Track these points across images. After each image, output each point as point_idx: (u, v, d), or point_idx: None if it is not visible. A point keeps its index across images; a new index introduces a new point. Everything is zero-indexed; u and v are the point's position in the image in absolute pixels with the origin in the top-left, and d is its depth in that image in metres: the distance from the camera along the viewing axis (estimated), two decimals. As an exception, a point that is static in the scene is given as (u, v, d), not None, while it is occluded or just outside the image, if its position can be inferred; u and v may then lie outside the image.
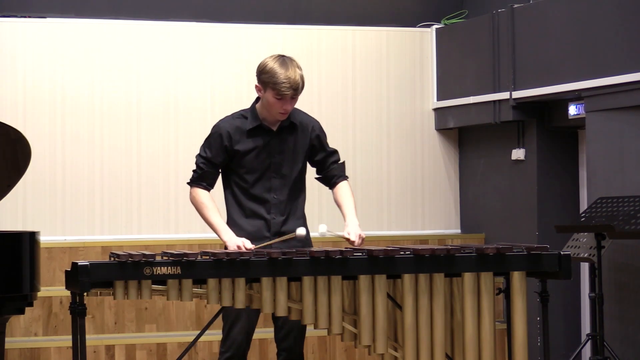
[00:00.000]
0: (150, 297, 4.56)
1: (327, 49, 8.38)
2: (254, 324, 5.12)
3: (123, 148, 7.93)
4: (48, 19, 7.87)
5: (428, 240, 8.28)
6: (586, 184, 7.49)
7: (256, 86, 5.07)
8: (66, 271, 4.65)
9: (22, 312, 5.58)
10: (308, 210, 5.27)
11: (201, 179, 5.13)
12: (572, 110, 7.39)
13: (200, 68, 8.11)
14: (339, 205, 5.23)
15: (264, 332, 5.71)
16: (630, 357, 6.79)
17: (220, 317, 5.02)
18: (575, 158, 7.91)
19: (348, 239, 5.03)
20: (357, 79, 8.44)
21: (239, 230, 5.06)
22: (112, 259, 4.54)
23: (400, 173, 8.50)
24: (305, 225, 5.17)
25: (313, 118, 5.25)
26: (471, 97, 8.16)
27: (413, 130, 8.55)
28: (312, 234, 5.20)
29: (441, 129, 8.58)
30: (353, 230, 5.06)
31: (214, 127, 5.16)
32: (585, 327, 7.65)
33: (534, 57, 7.56)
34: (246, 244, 4.92)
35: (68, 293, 4.67)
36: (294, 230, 5.00)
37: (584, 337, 7.21)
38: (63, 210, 7.79)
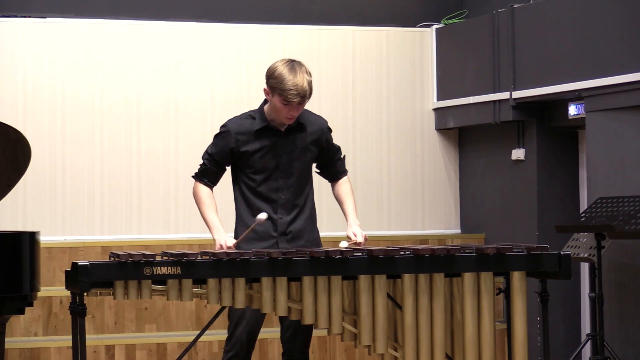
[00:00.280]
0: (150, 297, 4.56)
1: (327, 49, 8.38)
2: (260, 324, 5.13)
3: (123, 148, 7.93)
4: (48, 19, 7.87)
5: (428, 240, 8.28)
6: (586, 184, 7.49)
7: (264, 89, 5.07)
8: (66, 271, 4.65)
9: (22, 312, 5.58)
10: (308, 209, 5.29)
11: (204, 174, 5.18)
12: (572, 110, 7.39)
13: (200, 68, 8.11)
14: (339, 202, 5.29)
15: (265, 332, 5.70)
16: (630, 357, 6.79)
17: (220, 317, 5.02)
18: (575, 158, 7.91)
19: (355, 242, 5.07)
20: (357, 79, 8.44)
21: (246, 229, 5.07)
22: (112, 259, 4.54)
23: (400, 173, 8.50)
24: (314, 224, 5.21)
25: (320, 117, 5.26)
26: (471, 97, 8.15)
27: (413, 130, 8.55)
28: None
29: (441, 129, 8.58)
30: (357, 231, 5.12)
31: (222, 126, 5.18)
32: (585, 327, 7.65)
33: (534, 57, 7.56)
34: (228, 242, 4.97)
35: (68, 293, 4.67)
36: (299, 233, 5.03)
37: (584, 337, 7.20)
38: (63, 210, 7.79)
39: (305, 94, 4.98)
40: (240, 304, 4.60)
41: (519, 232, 7.89)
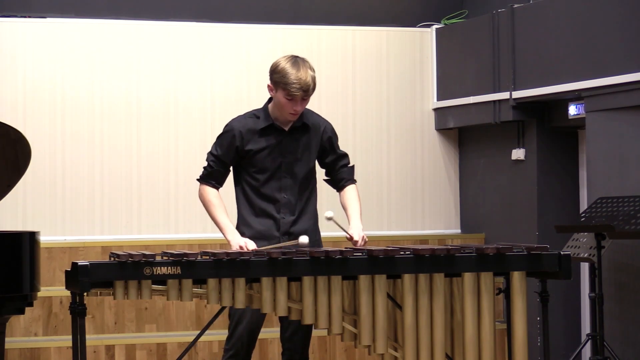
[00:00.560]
0: (150, 297, 4.56)
1: (327, 49, 8.38)
2: (260, 323, 5.12)
3: (123, 148, 7.93)
4: (48, 19, 7.87)
5: (428, 240, 8.28)
6: (586, 184, 7.49)
7: (268, 86, 5.07)
8: (66, 271, 4.65)
9: (22, 312, 5.58)
10: (311, 211, 5.28)
11: (210, 176, 5.15)
12: (572, 110, 7.39)
13: (200, 68, 8.11)
14: (345, 209, 5.25)
15: (265, 332, 5.70)
16: (630, 357, 6.79)
17: (220, 317, 5.02)
18: (575, 158, 7.91)
19: (351, 238, 5.05)
20: (357, 79, 8.44)
21: (248, 229, 5.07)
22: (112, 259, 4.54)
23: (400, 173, 8.50)
24: (316, 225, 5.20)
25: (325, 120, 5.26)
26: (471, 97, 8.16)
27: (413, 130, 8.55)
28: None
29: (441, 129, 8.58)
30: (356, 232, 5.09)
31: (227, 125, 5.16)
32: (585, 327, 7.65)
33: (534, 57, 7.56)
34: (249, 244, 4.93)
35: (68, 293, 4.66)
36: (302, 233, 5.00)
37: (584, 337, 7.20)
38: (63, 210, 7.79)
39: (308, 88, 4.98)
40: (240, 304, 4.60)
41: (519, 232, 7.89)
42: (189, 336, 7.22)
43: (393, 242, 7.87)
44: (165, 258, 4.57)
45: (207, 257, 4.60)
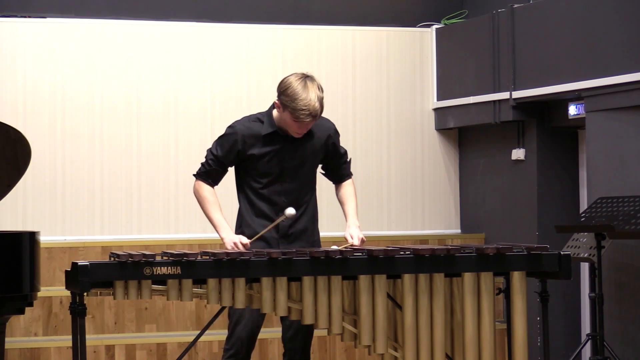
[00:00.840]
0: (150, 297, 4.56)
1: (327, 49, 8.37)
2: (260, 323, 5.13)
3: (123, 148, 7.93)
4: (48, 19, 7.87)
5: (428, 240, 8.28)
6: (586, 184, 7.49)
7: (275, 103, 5.04)
8: (66, 271, 4.65)
9: (22, 312, 5.58)
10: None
11: (207, 175, 5.15)
12: (572, 110, 7.39)
13: (200, 68, 8.10)
14: (341, 203, 5.28)
15: (265, 332, 5.71)
16: (630, 357, 6.79)
17: (220, 317, 5.02)
18: (575, 158, 7.91)
19: (351, 244, 5.06)
20: (357, 79, 8.44)
21: (248, 229, 5.07)
22: (112, 259, 4.54)
23: (400, 173, 8.50)
24: (315, 226, 5.21)
25: (329, 121, 5.24)
26: (471, 97, 8.15)
27: (413, 130, 8.55)
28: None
29: (441, 129, 8.58)
30: (355, 233, 5.10)
31: (230, 127, 5.15)
32: (585, 327, 7.65)
33: (534, 57, 7.56)
34: (242, 240, 4.96)
35: (68, 293, 4.67)
36: (300, 235, 5.01)
37: (584, 337, 7.20)
38: (63, 210, 7.79)
39: (316, 114, 4.96)
40: (240, 304, 4.60)
41: (519, 232, 7.89)
42: (189, 336, 7.22)
43: (393, 242, 7.87)
44: (165, 258, 4.57)
45: (207, 257, 4.60)
